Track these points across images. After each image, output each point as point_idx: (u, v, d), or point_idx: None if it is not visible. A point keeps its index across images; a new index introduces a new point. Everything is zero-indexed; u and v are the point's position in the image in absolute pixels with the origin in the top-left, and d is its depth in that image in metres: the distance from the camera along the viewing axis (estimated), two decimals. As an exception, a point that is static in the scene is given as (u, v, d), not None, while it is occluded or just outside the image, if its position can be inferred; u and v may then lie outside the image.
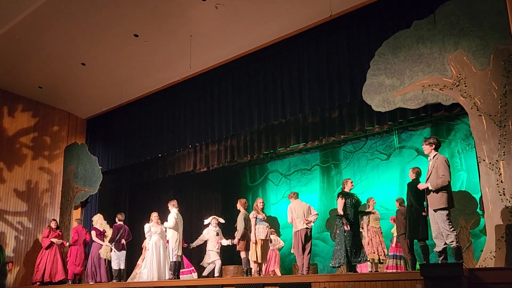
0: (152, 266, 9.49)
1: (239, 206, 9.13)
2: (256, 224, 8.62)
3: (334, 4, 8.56)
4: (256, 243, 8.54)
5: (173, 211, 9.38)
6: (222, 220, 10.27)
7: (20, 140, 12.91)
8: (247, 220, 8.84)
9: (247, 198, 14.91)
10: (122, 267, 10.33)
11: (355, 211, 7.77)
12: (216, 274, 9.50)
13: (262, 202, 9.01)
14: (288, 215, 8.47)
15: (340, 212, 7.71)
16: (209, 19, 9.44)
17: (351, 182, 8.11)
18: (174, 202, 9.60)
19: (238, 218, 8.94)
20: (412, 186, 7.30)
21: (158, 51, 10.64)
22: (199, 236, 10.35)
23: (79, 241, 11.33)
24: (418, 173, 7.55)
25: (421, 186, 6.51)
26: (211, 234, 10.04)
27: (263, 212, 8.93)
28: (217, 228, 9.99)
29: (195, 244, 10.33)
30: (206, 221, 10.10)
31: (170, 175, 12.79)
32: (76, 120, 14.32)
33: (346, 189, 7.97)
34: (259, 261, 8.55)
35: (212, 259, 9.81)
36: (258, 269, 8.66)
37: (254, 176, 15.22)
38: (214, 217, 10.01)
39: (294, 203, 8.47)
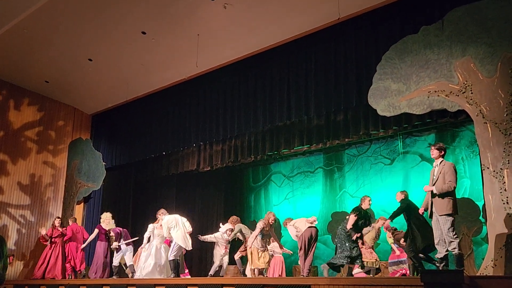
0: (147, 267, 9.50)
1: (231, 225, 9.38)
2: (258, 235, 8.61)
3: (342, 7, 8.57)
4: (252, 252, 8.58)
5: (164, 219, 9.36)
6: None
7: (25, 134, 12.97)
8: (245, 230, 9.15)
9: (250, 199, 14.95)
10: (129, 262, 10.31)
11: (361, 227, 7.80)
12: (211, 272, 9.43)
13: (274, 220, 8.91)
14: (292, 233, 8.43)
15: (349, 227, 7.70)
16: (217, 18, 9.46)
17: (369, 200, 7.93)
18: (163, 210, 9.64)
19: (238, 233, 9.25)
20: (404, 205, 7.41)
21: (165, 49, 10.67)
22: (213, 234, 10.14)
23: (73, 239, 11.36)
24: (406, 196, 7.60)
25: (427, 188, 6.49)
26: (221, 240, 9.88)
27: (272, 228, 8.86)
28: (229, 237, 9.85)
29: (204, 238, 10.09)
30: (221, 230, 9.96)
31: (173, 173, 12.81)
32: (81, 115, 14.38)
33: (363, 206, 7.88)
34: (259, 267, 8.53)
35: (216, 261, 9.72)
36: (258, 275, 8.65)
37: (257, 176, 15.22)
38: (229, 229, 9.89)
39: (292, 222, 8.54)
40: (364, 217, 7.77)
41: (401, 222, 8.31)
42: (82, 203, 13.73)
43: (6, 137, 12.50)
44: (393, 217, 7.60)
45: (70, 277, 11.18)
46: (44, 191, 13.17)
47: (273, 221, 8.75)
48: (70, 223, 11.77)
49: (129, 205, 13.16)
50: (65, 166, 13.73)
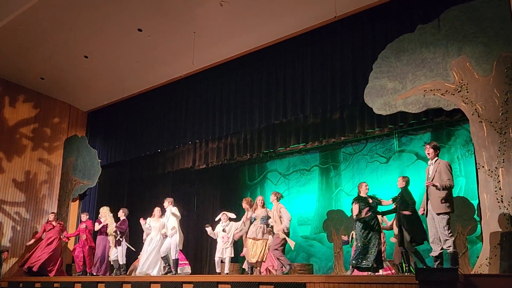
0: (145, 261, 9.51)
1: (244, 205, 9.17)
2: (251, 223, 8.63)
3: (338, 5, 8.57)
4: (249, 241, 8.54)
5: (173, 207, 9.36)
6: (232, 215, 9.95)
7: (21, 131, 12.91)
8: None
9: (245, 197, 14.90)
10: (122, 261, 10.33)
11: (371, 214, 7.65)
12: (218, 269, 9.40)
13: (262, 200, 8.95)
14: (285, 215, 8.32)
15: (354, 215, 7.66)
16: (214, 16, 9.45)
17: (366, 186, 7.86)
18: (171, 199, 9.61)
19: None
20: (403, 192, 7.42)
21: (162, 47, 10.64)
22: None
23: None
24: (407, 182, 7.60)
25: (429, 183, 6.47)
26: (219, 230, 9.84)
27: (264, 207, 8.81)
28: (226, 224, 9.75)
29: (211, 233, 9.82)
30: (216, 218, 9.91)
31: (169, 171, 12.79)
32: (77, 112, 14.33)
33: (362, 194, 7.80)
34: (251, 260, 8.50)
35: (220, 255, 9.66)
36: (250, 268, 8.65)
37: (253, 174, 15.22)
38: (224, 213, 9.86)
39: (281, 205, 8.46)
40: (365, 204, 7.62)
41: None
42: (78, 200, 13.68)
43: (1, 134, 12.44)
44: (385, 214, 7.88)
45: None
46: (39, 188, 13.12)
47: (261, 202, 8.75)
48: (86, 218, 11.60)
49: (125, 202, 13.12)
50: (60, 163, 13.68)
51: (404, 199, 7.42)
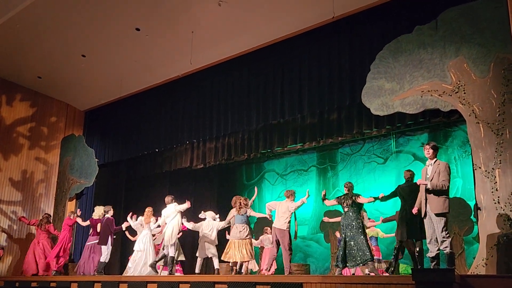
0: (135, 261, 9.52)
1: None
2: (235, 223, 8.63)
3: (336, 6, 8.57)
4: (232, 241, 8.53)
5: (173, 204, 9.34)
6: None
7: (17, 130, 12.88)
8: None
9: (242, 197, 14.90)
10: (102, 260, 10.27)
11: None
12: (197, 270, 9.29)
13: (245, 198, 8.93)
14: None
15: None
16: (212, 16, 9.44)
17: (344, 186, 8.06)
18: (172, 197, 9.55)
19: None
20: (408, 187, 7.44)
21: (159, 46, 10.63)
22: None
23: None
24: (412, 176, 7.63)
25: (421, 182, 6.47)
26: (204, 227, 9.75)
27: (247, 208, 8.75)
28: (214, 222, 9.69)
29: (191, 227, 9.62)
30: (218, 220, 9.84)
31: (166, 171, 12.78)
32: (74, 111, 14.30)
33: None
34: (235, 260, 8.47)
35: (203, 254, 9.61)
36: (231, 268, 8.67)
37: (251, 174, 15.22)
38: (211, 212, 9.84)
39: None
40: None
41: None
42: (74, 200, 13.64)
43: (-2, 133, 12.44)
44: (383, 199, 7.85)
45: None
46: (36, 187, 13.09)
47: (245, 201, 8.72)
48: (73, 217, 11.60)
49: (122, 202, 13.10)
50: (57, 162, 13.66)
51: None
